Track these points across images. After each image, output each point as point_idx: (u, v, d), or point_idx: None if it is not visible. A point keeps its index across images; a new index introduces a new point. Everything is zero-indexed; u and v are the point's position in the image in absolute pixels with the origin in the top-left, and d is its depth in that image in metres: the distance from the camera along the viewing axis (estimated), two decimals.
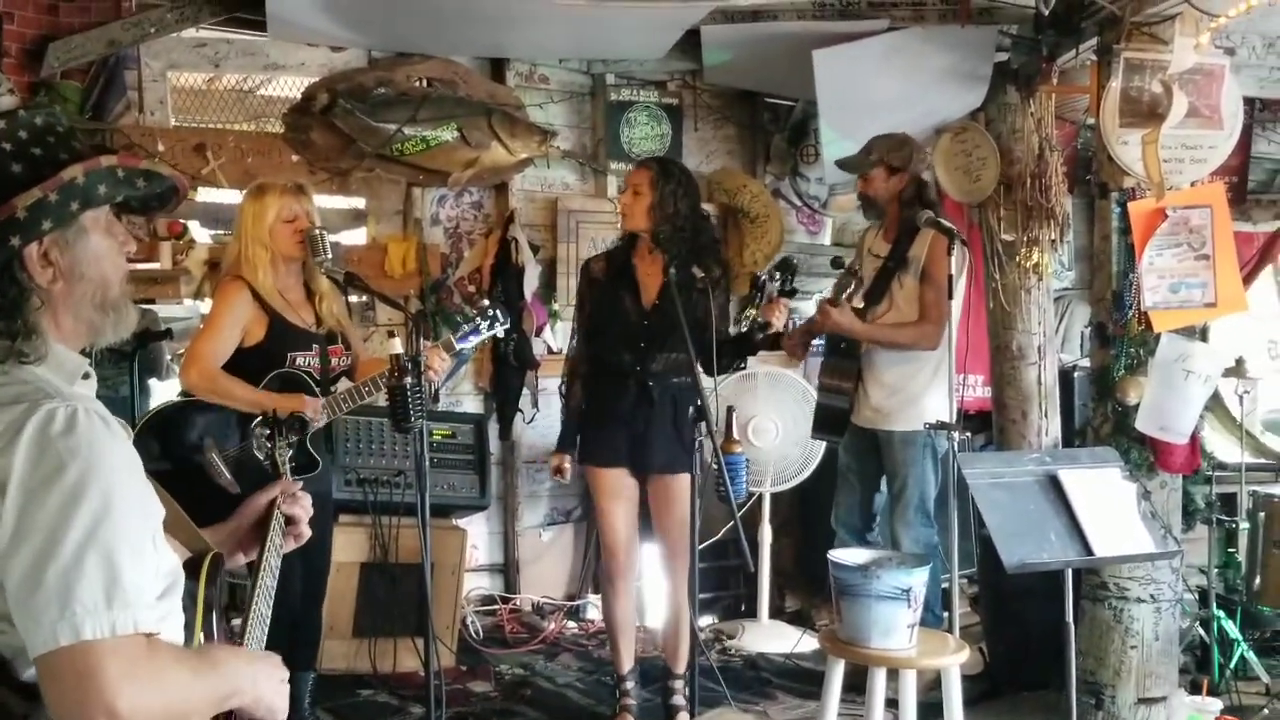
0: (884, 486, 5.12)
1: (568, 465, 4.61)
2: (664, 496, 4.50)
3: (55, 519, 1.55)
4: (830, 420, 5.14)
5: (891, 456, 4.97)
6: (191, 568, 1.90)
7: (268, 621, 2.13)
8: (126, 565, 1.57)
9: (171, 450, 3.97)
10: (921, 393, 4.88)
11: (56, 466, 1.57)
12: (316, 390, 4.20)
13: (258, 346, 4.14)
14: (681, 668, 4.58)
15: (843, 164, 5.15)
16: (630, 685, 4.68)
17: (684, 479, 4.26)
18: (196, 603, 1.86)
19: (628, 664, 4.68)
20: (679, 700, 4.59)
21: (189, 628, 1.83)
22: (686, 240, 4.41)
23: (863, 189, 5.08)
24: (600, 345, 4.55)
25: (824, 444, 5.71)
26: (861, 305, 4.92)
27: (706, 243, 4.56)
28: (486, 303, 4.51)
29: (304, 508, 2.28)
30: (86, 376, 1.79)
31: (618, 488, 4.54)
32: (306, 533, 2.29)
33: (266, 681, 1.85)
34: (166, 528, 1.78)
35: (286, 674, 1.91)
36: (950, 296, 4.51)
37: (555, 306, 6.33)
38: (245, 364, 4.10)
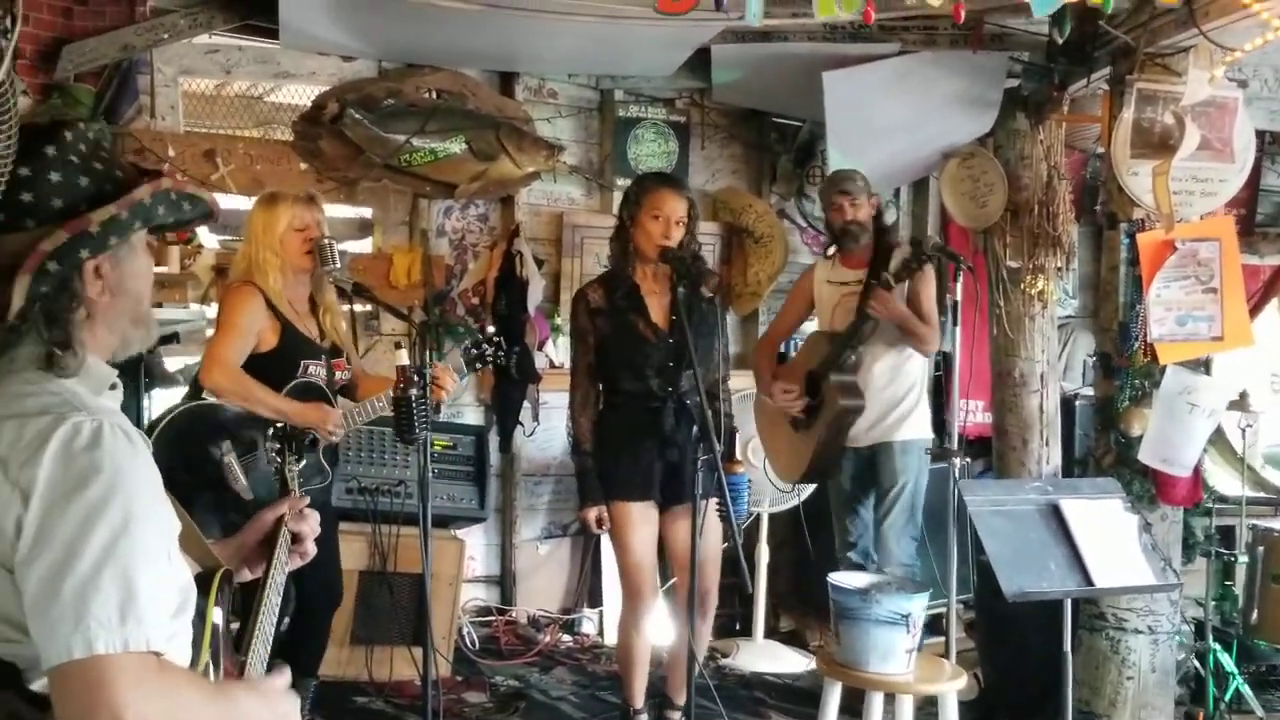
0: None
1: (605, 514, 4.39)
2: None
3: (75, 532, 1.56)
4: (835, 453, 5.10)
5: (891, 466, 4.99)
6: (201, 584, 1.90)
7: (270, 640, 2.14)
8: (142, 582, 1.59)
9: (192, 450, 3.92)
10: (916, 404, 5.02)
11: (80, 480, 1.58)
12: (333, 402, 4.21)
13: (272, 353, 4.14)
14: (682, 699, 4.50)
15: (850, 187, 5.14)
16: (645, 718, 4.58)
17: (710, 502, 4.09)
18: (205, 620, 1.86)
19: (641, 699, 4.55)
20: None
21: (196, 645, 1.83)
22: (689, 256, 4.38)
23: (853, 217, 5.02)
24: (621, 375, 4.39)
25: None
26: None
27: (700, 255, 4.50)
28: (492, 330, 4.51)
29: (311, 526, 2.28)
30: (114, 387, 1.81)
31: (644, 520, 4.39)
32: (312, 550, 2.30)
33: (280, 717, 1.85)
34: (181, 544, 1.79)
35: (298, 701, 1.92)
36: (956, 323, 4.51)
37: (558, 320, 6.32)
38: (259, 371, 4.08)
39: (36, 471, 1.58)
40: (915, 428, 5.02)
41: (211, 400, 4.08)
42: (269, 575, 2.17)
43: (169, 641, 1.65)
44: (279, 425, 2.72)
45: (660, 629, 4.71)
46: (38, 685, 1.64)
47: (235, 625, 2.13)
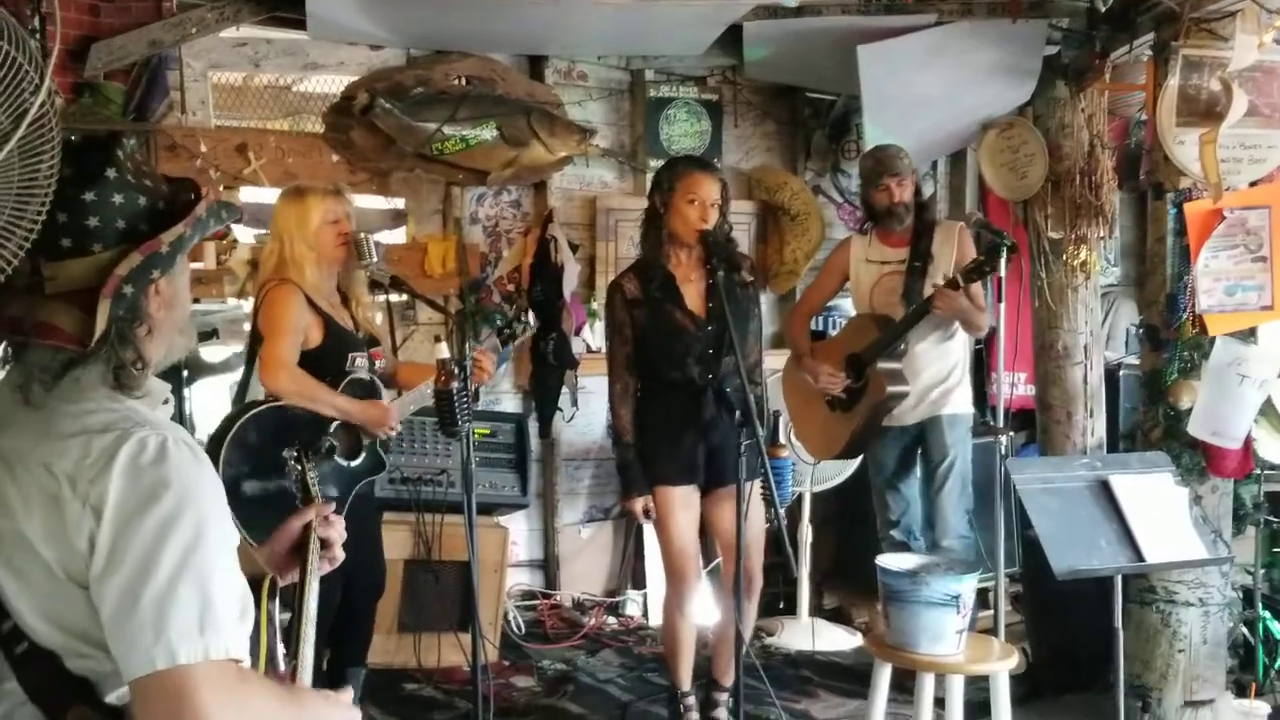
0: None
1: (651, 504, 4.40)
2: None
3: (150, 546, 1.59)
4: (872, 435, 5.05)
5: (940, 440, 4.95)
6: (253, 588, 1.90)
7: (314, 645, 2.16)
8: (217, 591, 1.62)
9: (264, 454, 3.92)
10: (960, 380, 5.00)
11: (150, 495, 1.61)
12: (382, 396, 4.23)
13: (318, 349, 4.13)
14: (729, 680, 4.49)
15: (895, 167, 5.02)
16: (693, 700, 4.56)
17: (755, 485, 4.07)
18: (261, 626, 1.89)
19: (688, 681, 4.55)
20: (721, 714, 4.55)
21: (254, 651, 1.84)
22: (724, 240, 4.35)
23: (900, 199, 4.95)
24: (660, 365, 4.37)
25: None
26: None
27: (732, 238, 4.48)
28: (520, 304, 4.51)
29: (338, 531, 2.30)
30: (166, 402, 1.85)
31: (686, 504, 4.39)
32: (340, 556, 2.30)
33: None
34: None
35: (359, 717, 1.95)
36: (1001, 299, 4.44)
37: (594, 305, 6.30)
38: (308, 368, 4.08)
39: (106, 488, 1.60)
40: (960, 403, 4.99)
41: (276, 403, 4.07)
42: (305, 581, 2.19)
43: (244, 652, 1.68)
44: (298, 438, 2.70)
45: (705, 611, 4.70)
46: (113, 698, 1.67)
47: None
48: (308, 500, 2.49)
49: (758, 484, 3.92)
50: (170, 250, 1.75)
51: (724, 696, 4.57)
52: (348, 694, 1.98)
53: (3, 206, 1.72)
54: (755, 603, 4.56)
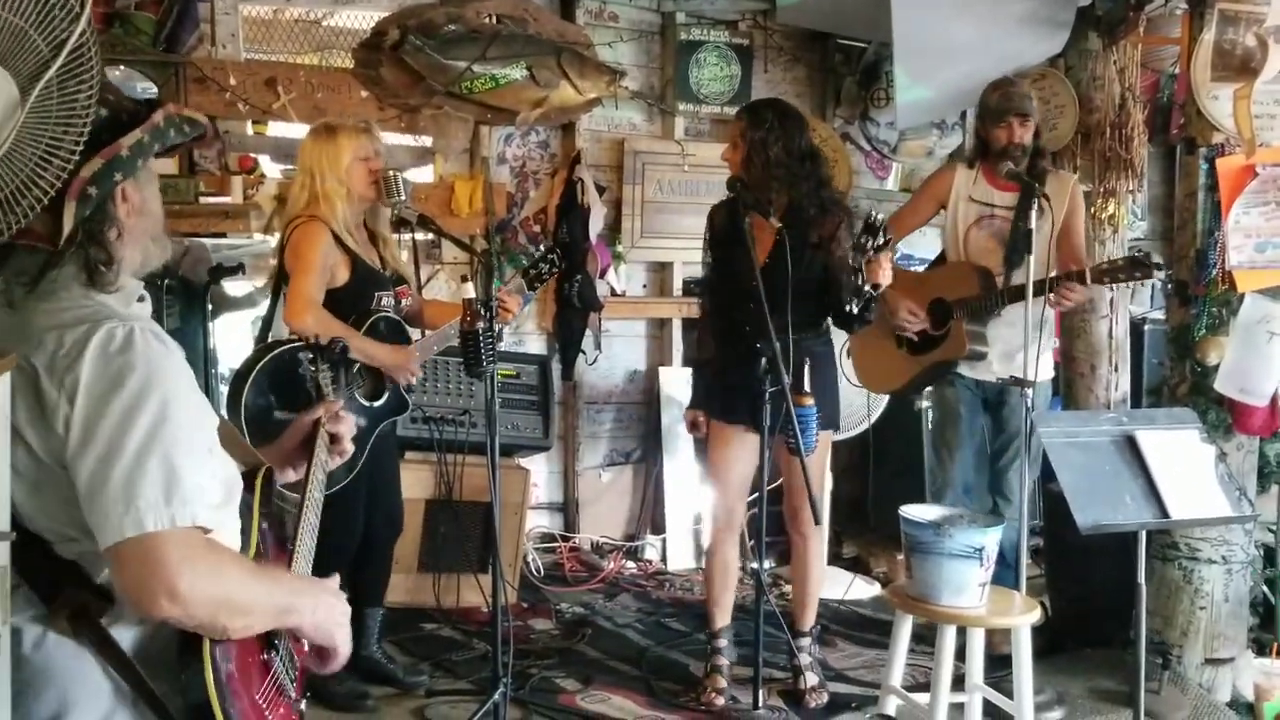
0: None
1: (702, 420, 4.51)
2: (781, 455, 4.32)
3: (118, 424, 1.72)
4: (930, 382, 4.92)
5: (1020, 406, 4.54)
6: (246, 480, 2.05)
7: (316, 531, 2.27)
8: (184, 466, 1.74)
9: (288, 385, 3.92)
10: (1045, 343, 4.61)
11: (117, 378, 1.74)
12: (409, 337, 4.23)
13: (345, 287, 4.13)
14: (807, 625, 4.59)
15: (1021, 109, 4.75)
16: (724, 643, 4.56)
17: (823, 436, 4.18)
18: (252, 512, 2.02)
19: (723, 621, 4.56)
20: (805, 659, 4.55)
21: (245, 534, 1.98)
22: (787, 190, 4.27)
23: (1021, 140, 4.66)
24: (720, 305, 4.45)
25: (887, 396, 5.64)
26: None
27: (811, 190, 4.31)
28: (546, 246, 4.50)
29: (347, 426, 2.41)
30: (141, 299, 1.95)
31: (740, 444, 4.39)
32: (350, 449, 2.42)
33: (328, 611, 2.01)
34: (222, 443, 1.96)
35: (349, 609, 2.07)
36: (1030, 251, 4.37)
37: (619, 249, 6.29)
38: (334, 306, 4.08)
39: (78, 373, 1.74)
40: (1044, 368, 4.71)
41: (299, 343, 4.07)
42: (310, 474, 2.31)
43: (219, 526, 1.82)
44: (307, 339, 2.73)
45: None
46: (101, 579, 1.81)
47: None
48: (320, 398, 2.57)
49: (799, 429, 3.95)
50: (130, 155, 1.85)
51: (806, 641, 4.58)
52: (334, 580, 2.10)
53: (41, 136, 1.76)
54: (808, 536, 4.54)
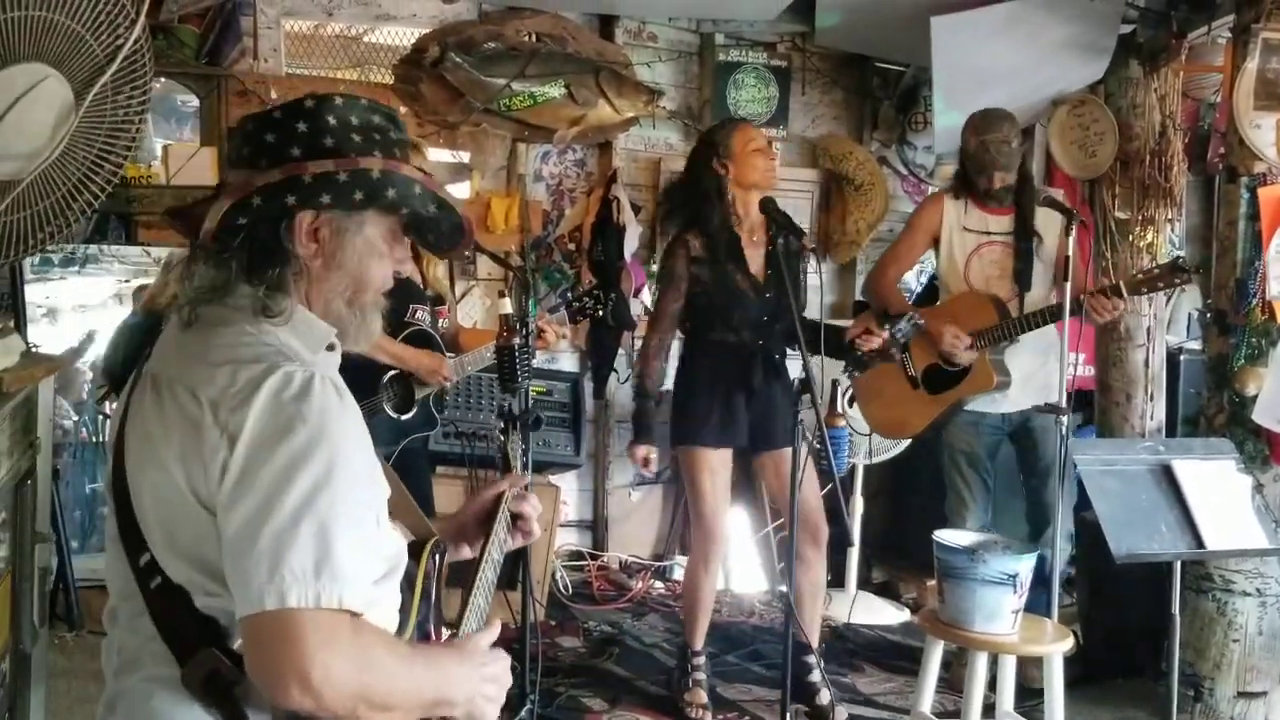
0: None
1: (654, 455, 4.51)
2: (786, 472, 4.25)
3: (277, 479, 1.55)
4: (949, 420, 4.79)
5: (1049, 434, 4.58)
6: (412, 551, 1.87)
7: (485, 615, 2.09)
8: (340, 538, 1.56)
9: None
10: (1058, 366, 4.49)
11: (285, 428, 1.58)
12: (444, 350, 4.24)
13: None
14: (815, 643, 4.58)
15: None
16: (702, 660, 4.59)
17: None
18: (414, 587, 1.84)
19: (702, 640, 4.59)
20: (816, 677, 4.52)
21: (404, 611, 1.81)
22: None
23: (1004, 181, 4.62)
24: (714, 325, 4.39)
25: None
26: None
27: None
28: (592, 281, 4.50)
29: (532, 505, 2.25)
30: (331, 348, 1.79)
31: (721, 466, 4.43)
32: (538, 531, 2.27)
33: (487, 703, 1.81)
34: (392, 511, 1.78)
35: (509, 682, 1.85)
36: (1066, 278, 4.35)
37: (654, 268, 6.29)
38: None
39: (245, 417, 1.58)
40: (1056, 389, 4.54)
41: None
42: (485, 552, 2.13)
43: (369, 606, 1.62)
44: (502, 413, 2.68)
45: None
46: (238, 645, 1.62)
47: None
48: (507, 470, 2.45)
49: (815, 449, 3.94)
50: (314, 183, 1.68)
51: (813, 659, 4.55)
52: (489, 635, 1.86)
53: (94, 140, 1.73)
54: (824, 553, 4.54)
